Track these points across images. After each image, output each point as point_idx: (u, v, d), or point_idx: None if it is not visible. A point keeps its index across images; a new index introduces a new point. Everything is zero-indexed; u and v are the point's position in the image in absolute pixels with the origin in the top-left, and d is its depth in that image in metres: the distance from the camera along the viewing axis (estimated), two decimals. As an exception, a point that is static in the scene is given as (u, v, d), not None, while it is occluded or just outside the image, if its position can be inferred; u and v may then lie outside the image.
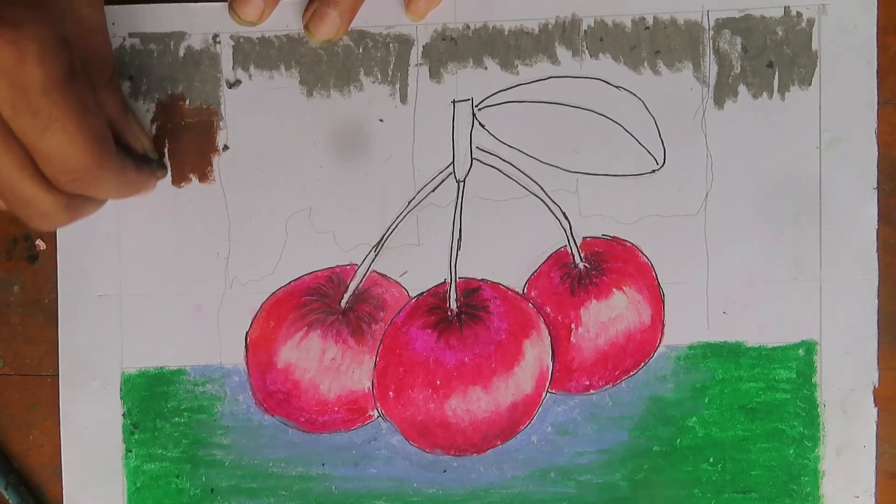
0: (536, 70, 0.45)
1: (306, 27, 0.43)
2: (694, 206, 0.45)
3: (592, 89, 0.45)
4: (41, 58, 0.33)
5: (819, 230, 0.45)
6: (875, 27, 0.44)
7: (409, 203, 0.45)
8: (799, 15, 0.45)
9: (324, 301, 0.46)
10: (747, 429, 0.45)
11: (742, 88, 0.45)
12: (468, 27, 0.45)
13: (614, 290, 0.45)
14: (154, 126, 0.45)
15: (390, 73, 0.45)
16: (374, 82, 0.45)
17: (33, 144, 0.34)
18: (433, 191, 0.45)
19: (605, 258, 0.45)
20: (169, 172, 0.45)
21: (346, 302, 0.46)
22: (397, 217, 0.45)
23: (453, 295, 0.45)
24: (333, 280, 0.46)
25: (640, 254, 0.45)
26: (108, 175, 0.38)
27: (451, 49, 0.45)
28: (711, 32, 0.45)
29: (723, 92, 0.45)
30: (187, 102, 0.45)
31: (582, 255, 0.45)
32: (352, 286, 0.46)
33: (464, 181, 0.45)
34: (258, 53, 0.45)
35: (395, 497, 0.46)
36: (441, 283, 0.45)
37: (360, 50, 0.45)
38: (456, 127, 0.45)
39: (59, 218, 0.38)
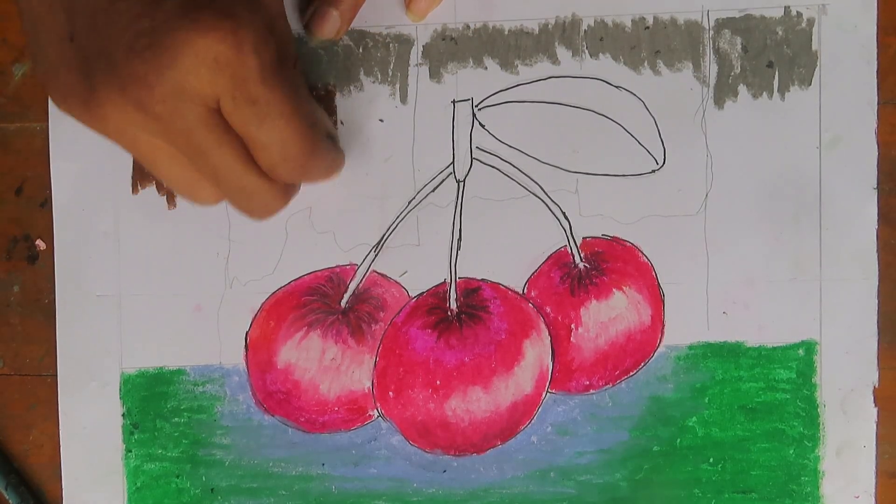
0: (536, 70, 0.45)
1: (307, 27, 0.43)
2: (694, 206, 0.45)
3: (592, 89, 0.45)
4: (256, 46, 0.32)
5: (819, 230, 0.45)
6: (875, 27, 0.44)
7: (409, 203, 0.45)
8: (799, 15, 0.45)
9: (324, 301, 0.46)
10: (747, 429, 0.45)
11: (742, 88, 0.45)
12: (468, 27, 0.45)
13: (614, 290, 0.45)
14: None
15: (390, 73, 0.45)
16: (374, 82, 0.45)
17: (253, 135, 0.34)
18: (433, 191, 0.45)
19: (605, 258, 0.45)
20: None
21: (346, 302, 0.46)
22: (397, 217, 0.45)
23: (453, 295, 0.45)
24: (333, 280, 0.46)
25: (640, 254, 0.45)
26: (319, 159, 0.37)
27: (451, 49, 0.45)
28: (711, 32, 0.45)
29: (723, 92, 0.45)
30: (187, 102, 0.45)
31: (582, 255, 0.45)
32: (352, 286, 0.46)
33: (464, 181, 0.45)
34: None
35: (395, 497, 0.46)
36: (441, 283, 0.45)
37: (360, 50, 0.45)
38: (456, 127, 0.45)
39: (279, 206, 0.38)
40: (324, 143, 0.37)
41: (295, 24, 0.45)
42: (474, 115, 0.45)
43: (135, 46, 0.32)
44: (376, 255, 0.45)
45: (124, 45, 0.32)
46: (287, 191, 0.38)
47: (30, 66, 0.38)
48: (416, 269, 0.46)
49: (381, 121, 0.45)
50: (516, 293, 0.45)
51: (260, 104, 0.33)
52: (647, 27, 0.45)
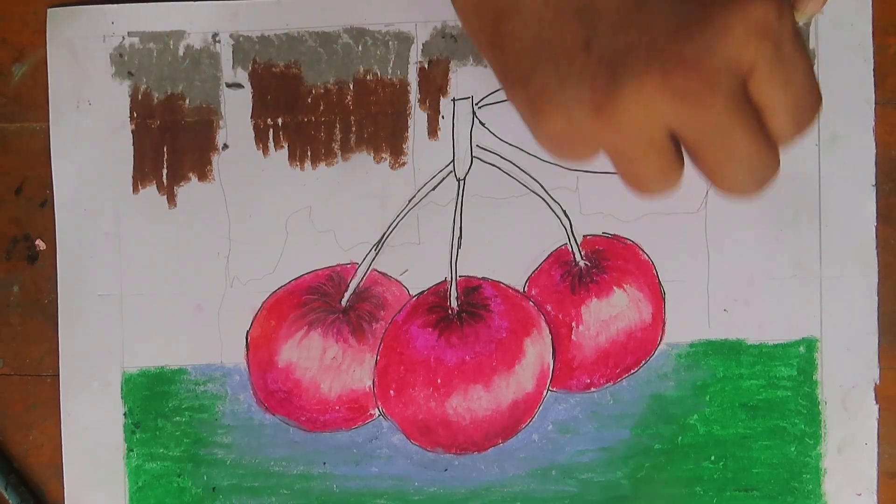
0: (536, 68, 0.45)
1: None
2: (694, 203, 0.45)
3: (592, 87, 0.45)
4: (788, 8, 0.32)
5: (819, 228, 0.45)
6: (871, 25, 0.45)
7: (409, 202, 0.45)
8: (798, 12, 0.45)
9: (324, 300, 0.45)
10: (748, 426, 0.45)
11: (742, 86, 0.45)
12: (468, 25, 0.45)
13: (615, 287, 0.45)
14: (154, 124, 0.45)
15: (390, 71, 0.45)
16: (373, 80, 0.45)
17: (776, 101, 0.33)
18: (433, 189, 0.45)
19: (605, 256, 0.45)
20: None
21: (347, 301, 0.46)
22: (398, 216, 0.45)
23: (454, 293, 0.45)
24: (334, 279, 0.46)
25: (641, 252, 0.45)
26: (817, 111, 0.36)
27: (450, 47, 0.45)
28: (711, 30, 0.45)
29: (722, 89, 0.45)
30: (187, 101, 0.45)
31: (582, 253, 0.45)
32: (352, 285, 0.46)
33: (464, 179, 0.45)
34: (258, 52, 0.45)
35: (397, 496, 0.46)
36: (441, 282, 0.45)
37: (360, 48, 0.45)
38: (456, 125, 0.45)
39: (774, 174, 0.36)
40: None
41: (295, 23, 0.45)
42: (474, 113, 0.45)
43: (681, 30, 0.31)
44: (377, 254, 0.45)
45: (665, 32, 0.31)
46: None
47: (514, 89, 0.35)
48: (417, 268, 0.46)
49: (382, 119, 0.45)
50: (517, 291, 0.45)
51: (790, 64, 0.32)
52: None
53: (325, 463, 0.46)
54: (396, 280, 0.46)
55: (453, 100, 0.45)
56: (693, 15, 0.31)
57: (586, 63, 0.32)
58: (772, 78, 0.32)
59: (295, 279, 0.46)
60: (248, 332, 0.46)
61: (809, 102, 0.34)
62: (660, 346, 0.45)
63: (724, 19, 0.31)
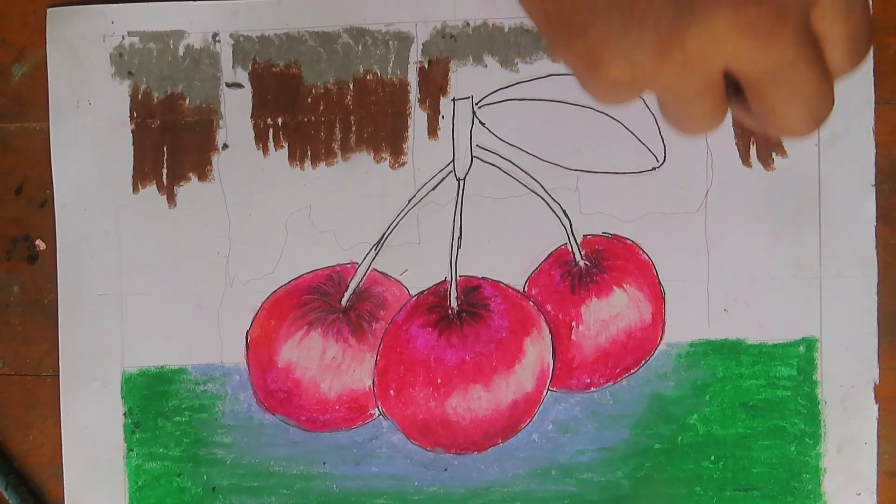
0: (536, 68, 0.45)
1: None
2: (694, 203, 0.45)
3: (592, 87, 0.45)
4: None
5: (818, 228, 0.45)
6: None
7: (409, 201, 0.45)
8: (798, 12, 0.45)
9: (324, 300, 0.45)
10: (748, 426, 0.45)
11: (741, 86, 0.45)
12: (468, 24, 0.45)
13: (615, 287, 0.45)
14: (154, 124, 0.46)
15: (389, 71, 0.45)
16: (373, 80, 0.45)
17: (835, 30, 0.32)
18: (433, 189, 0.45)
19: (605, 256, 0.45)
20: None
21: (347, 300, 0.46)
22: (398, 215, 0.45)
23: (454, 293, 0.45)
24: (334, 279, 0.46)
25: (641, 251, 0.45)
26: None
27: (450, 47, 0.45)
28: (711, 30, 0.45)
29: (722, 89, 0.45)
30: (187, 101, 0.45)
31: (582, 253, 0.45)
32: (352, 285, 0.46)
33: (464, 179, 0.45)
34: (258, 52, 0.45)
35: (397, 495, 0.46)
36: (441, 282, 0.45)
37: (360, 47, 0.45)
38: (456, 125, 0.45)
39: (830, 111, 0.35)
40: None
41: (295, 23, 0.45)
42: (474, 113, 0.45)
43: None
44: (377, 254, 0.45)
45: None
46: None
47: (569, 41, 0.34)
48: (417, 268, 0.46)
49: (382, 119, 0.45)
50: (517, 291, 0.45)
51: None
52: (647, 25, 0.45)
53: (324, 462, 0.46)
54: (396, 280, 0.46)
55: (453, 100, 0.45)
56: None
57: (650, 3, 0.32)
58: (836, 6, 0.32)
59: (295, 279, 0.46)
60: (248, 331, 0.46)
61: (866, 31, 0.33)
62: (660, 346, 0.45)
63: None
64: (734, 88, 0.35)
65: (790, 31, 0.31)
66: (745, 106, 0.36)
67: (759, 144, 0.45)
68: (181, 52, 0.45)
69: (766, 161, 0.45)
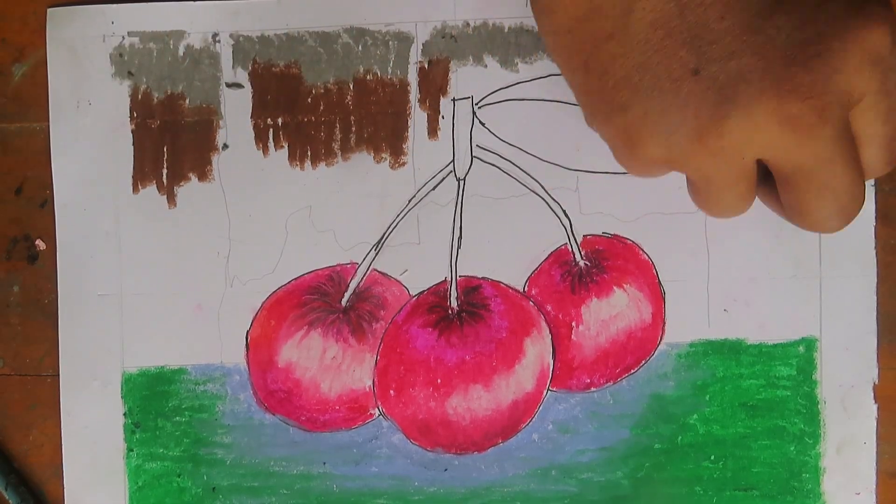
0: (537, 68, 0.45)
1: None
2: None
3: (592, 87, 0.45)
4: None
5: (818, 227, 0.45)
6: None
7: (409, 201, 0.45)
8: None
9: (324, 300, 0.46)
10: (748, 426, 0.45)
11: (741, 86, 0.45)
12: (468, 24, 0.45)
13: (615, 287, 0.45)
14: (154, 124, 0.46)
15: (389, 71, 0.45)
16: (372, 80, 0.45)
17: (878, 132, 0.33)
18: (433, 189, 0.45)
19: (605, 256, 0.45)
20: None
21: (347, 301, 0.46)
22: (398, 215, 0.45)
23: (454, 293, 0.45)
24: (334, 279, 0.46)
25: (641, 251, 0.45)
26: None
27: (450, 47, 0.45)
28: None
29: (722, 89, 0.45)
30: (187, 101, 0.45)
31: (582, 253, 0.45)
32: (352, 285, 0.46)
33: (464, 179, 0.45)
34: (258, 52, 0.45)
35: (397, 496, 0.46)
36: (441, 282, 0.45)
37: (360, 47, 0.45)
38: (456, 125, 0.45)
39: (859, 209, 0.35)
40: None
41: (295, 23, 0.45)
42: (474, 113, 0.45)
43: (797, 57, 0.31)
44: (377, 254, 0.45)
45: (782, 58, 0.31)
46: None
47: (608, 117, 0.34)
48: (417, 268, 0.46)
49: (382, 119, 0.45)
50: (517, 291, 0.45)
51: (894, 95, 0.32)
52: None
53: (325, 463, 0.46)
54: (396, 280, 0.46)
55: (453, 100, 0.45)
56: (810, 41, 0.31)
57: (693, 89, 0.32)
58: (877, 108, 0.32)
59: (295, 279, 0.46)
60: (248, 331, 0.46)
61: None
62: (660, 346, 0.45)
63: (842, 47, 0.31)
64: (764, 176, 0.35)
65: (831, 129, 0.31)
66: (773, 194, 0.35)
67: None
68: (181, 52, 0.45)
69: (765, 161, 0.45)
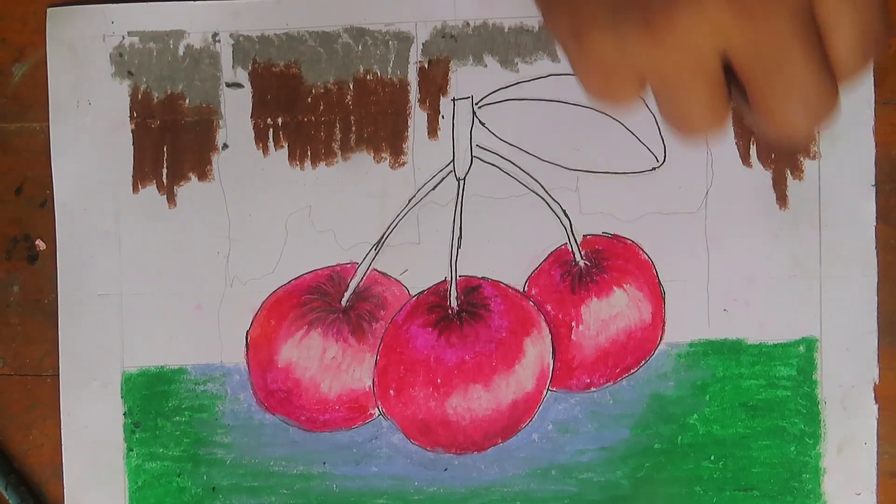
0: (536, 68, 0.45)
1: None
2: (694, 203, 0.45)
3: (592, 87, 0.45)
4: None
5: (818, 228, 0.45)
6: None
7: (409, 201, 0.45)
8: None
9: (324, 300, 0.46)
10: (748, 426, 0.45)
11: (741, 86, 0.45)
12: (468, 24, 0.45)
13: (615, 287, 0.45)
14: (154, 124, 0.46)
15: (389, 71, 0.45)
16: (373, 80, 0.45)
17: (839, 22, 0.31)
18: (433, 189, 0.45)
19: (605, 256, 0.45)
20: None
21: (347, 300, 0.46)
22: (398, 215, 0.45)
23: (454, 293, 0.45)
24: (334, 279, 0.46)
25: (641, 251, 0.45)
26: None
27: (450, 47, 0.45)
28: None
29: (722, 89, 0.45)
30: (187, 101, 0.45)
31: (582, 253, 0.45)
32: (352, 285, 0.46)
33: (464, 179, 0.45)
34: (258, 52, 0.45)
35: (397, 495, 0.46)
36: (441, 282, 0.45)
37: (360, 47, 0.45)
38: (456, 125, 0.45)
39: (831, 112, 0.33)
40: None
41: (295, 23, 0.45)
42: (474, 112, 0.45)
43: None
44: (377, 254, 0.45)
45: None
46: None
47: (559, 17, 0.33)
48: (417, 268, 0.46)
49: (382, 119, 0.45)
50: (517, 291, 0.45)
51: None
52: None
53: (324, 462, 0.46)
54: (396, 280, 0.46)
55: (453, 99, 0.45)
56: None
57: None
58: (831, 5, 0.30)
59: (295, 279, 0.46)
60: (247, 331, 0.46)
61: (877, 30, 0.31)
62: (660, 346, 0.45)
63: None
64: (736, 85, 0.34)
65: (787, 14, 0.30)
66: (747, 102, 0.35)
67: (759, 144, 0.45)
68: (181, 52, 0.45)
69: (765, 161, 0.45)
